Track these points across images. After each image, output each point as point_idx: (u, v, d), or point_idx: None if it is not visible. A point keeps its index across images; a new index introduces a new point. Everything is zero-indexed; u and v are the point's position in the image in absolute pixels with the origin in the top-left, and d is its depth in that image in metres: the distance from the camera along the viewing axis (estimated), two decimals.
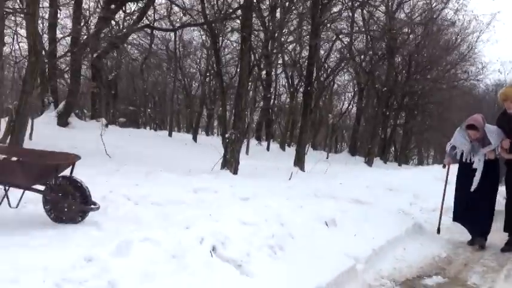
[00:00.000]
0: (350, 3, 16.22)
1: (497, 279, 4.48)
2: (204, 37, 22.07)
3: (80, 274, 2.73)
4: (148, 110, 29.74)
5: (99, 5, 15.84)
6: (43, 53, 12.13)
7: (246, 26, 10.39)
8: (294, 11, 15.79)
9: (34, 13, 8.63)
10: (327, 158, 18.79)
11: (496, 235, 5.68)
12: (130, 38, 18.23)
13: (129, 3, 16.88)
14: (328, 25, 16.68)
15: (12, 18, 13.80)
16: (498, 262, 5.04)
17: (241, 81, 10.36)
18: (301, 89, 22.62)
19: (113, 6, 15.45)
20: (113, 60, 21.27)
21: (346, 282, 3.91)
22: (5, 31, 12.13)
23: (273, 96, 25.38)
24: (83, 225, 4.16)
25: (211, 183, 7.00)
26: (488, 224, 5.64)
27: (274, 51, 16.40)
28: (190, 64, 27.36)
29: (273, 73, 23.14)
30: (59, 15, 15.72)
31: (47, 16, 16.07)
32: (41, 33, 14.02)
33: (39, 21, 14.54)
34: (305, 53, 19.41)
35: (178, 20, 17.54)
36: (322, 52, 20.57)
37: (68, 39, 15.86)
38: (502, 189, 5.78)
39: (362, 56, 22.48)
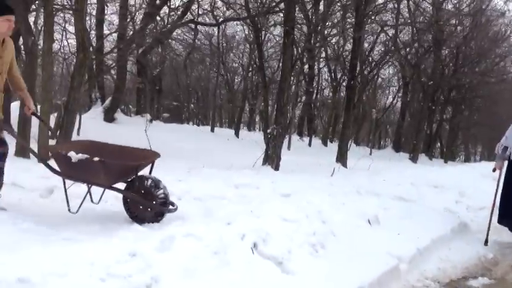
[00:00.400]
0: None
1: None
2: (246, 31, 22.13)
3: (124, 269, 2.76)
4: (192, 105, 30.14)
5: (144, 1, 16.17)
6: (91, 49, 12.47)
7: (289, 20, 10.36)
8: (338, 3, 15.62)
9: (82, 10, 8.93)
10: (370, 154, 18.46)
11: None
12: (174, 33, 18.48)
13: None
14: (373, 17, 16.38)
15: (61, 15, 14.28)
16: None
17: (283, 76, 10.34)
18: (344, 83, 22.35)
19: (158, 1, 15.74)
20: (158, 56, 21.61)
21: (388, 282, 3.83)
22: (54, 28, 12.55)
23: (315, 91, 25.16)
24: (127, 219, 4.24)
25: (253, 179, 7.02)
26: None
27: (317, 44, 16.29)
28: (233, 59, 27.48)
29: (315, 67, 22.92)
30: (105, 11, 16.13)
31: (94, 13, 16.56)
32: (88, 30, 14.45)
33: (87, 18, 14.99)
34: (348, 46, 19.12)
35: (221, 14, 17.65)
36: (366, 45, 20.26)
37: (115, 35, 16.25)
38: None
39: (407, 49, 21.92)
